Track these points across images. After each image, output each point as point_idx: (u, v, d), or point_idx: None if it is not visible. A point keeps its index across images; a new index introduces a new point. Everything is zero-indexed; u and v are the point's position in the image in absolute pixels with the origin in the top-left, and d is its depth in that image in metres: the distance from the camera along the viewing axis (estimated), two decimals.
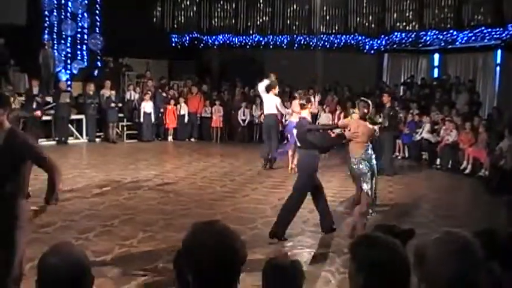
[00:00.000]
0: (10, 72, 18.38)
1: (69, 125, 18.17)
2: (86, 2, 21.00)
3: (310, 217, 9.19)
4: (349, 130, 8.35)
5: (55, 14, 20.67)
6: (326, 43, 22.37)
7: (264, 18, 24.20)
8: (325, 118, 18.14)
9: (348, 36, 22.25)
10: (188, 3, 25.28)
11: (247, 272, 3.94)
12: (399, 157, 16.50)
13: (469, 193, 12.62)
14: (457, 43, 19.68)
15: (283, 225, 7.87)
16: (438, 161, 15.24)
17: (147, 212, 9.17)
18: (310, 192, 8.18)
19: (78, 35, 21.21)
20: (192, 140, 19.84)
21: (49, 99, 17.96)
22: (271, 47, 23.59)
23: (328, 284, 6.23)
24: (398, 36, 21.17)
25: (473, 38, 19.01)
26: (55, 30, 20.75)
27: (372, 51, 21.98)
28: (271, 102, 14.33)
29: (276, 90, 14.45)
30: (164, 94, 19.96)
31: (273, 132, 14.49)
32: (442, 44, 20.25)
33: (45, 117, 17.34)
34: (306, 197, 8.17)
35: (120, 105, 19.28)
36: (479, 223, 8.55)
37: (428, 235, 2.39)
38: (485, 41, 18.70)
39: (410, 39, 20.90)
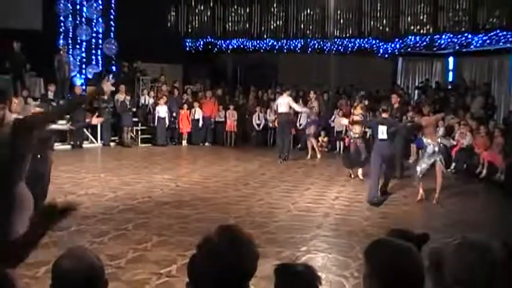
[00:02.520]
0: (26, 77, 18.53)
1: (84, 130, 18.25)
2: (101, 7, 21.17)
3: (324, 222, 9.19)
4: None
5: (70, 19, 20.87)
6: (340, 47, 22.35)
7: (278, 22, 24.25)
8: (339, 123, 18.11)
9: (362, 40, 22.24)
10: (202, 7, 25.39)
11: (261, 277, 3.94)
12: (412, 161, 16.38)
13: (484, 197, 12.51)
14: (472, 46, 19.58)
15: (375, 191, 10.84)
16: (453, 165, 15.13)
17: (161, 216, 9.17)
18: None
19: (93, 40, 21.40)
20: (206, 144, 19.86)
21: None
22: (285, 51, 23.63)
23: None
24: (413, 39, 21.12)
25: (488, 41, 18.91)
26: (70, 35, 20.94)
27: (386, 55, 21.94)
28: (285, 103, 15.96)
29: (289, 91, 16.59)
30: (175, 96, 19.91)
31: (287, 128, 16.47)
32: (457, 48, 20.16)
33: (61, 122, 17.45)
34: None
35: (134, 109, 19.36)
36: (494, 228, 8.49)
37: (442, 240, 2.37)
38: (501, 44, 18.60)
39: (424, 43, 20.84)
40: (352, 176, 13.50)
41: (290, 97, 16.32)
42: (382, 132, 10.85)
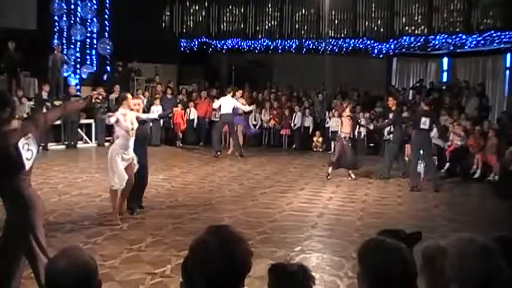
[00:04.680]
0: (21, 77, 18.47)
1: (79, 129, 18.22)
2: (95, 7, 21.14)
3: (319, 222, 9.20)
4: None
5: (65, 19, 20.81)
6: (335, 47, 22.36)
7: (273, 22, 24.24)
8: (334, 123, 18.14)
9: (356, 40, 22.24)
10: (197, 7, 25.36)
11: (256, 276, 3.94)
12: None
13: (478, 198, 12.55)
14: (466, 47, 19.62)
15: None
16: (447, 165, 15.15)
17: (156, 216, 9.17)
18: None
19: (88, 40, 21.35)
20: (201, 144, 19.81)
21: (58, 103, 18.02)
22: (279, 51, 23.62)
23: None
24: (407, 40, 21.15)
25: (482, 41, 18.96)
26: (65, 35, 20.89)
27: (381, 55, 21.96)
28: (229, 103, 16.40)
29: (231, 93, 16.79)
30: (169, 96, 19.78)
31: (231, 128, 16.90)
32: (451, 48, 20.21)
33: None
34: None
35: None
36: (488, 228, 8.52)
37: (436, 239, 2.39)
38: (495, 44, 18.65)
39: (419, 43, 20.87)
40: (329, 177, 13.38)
41: (233, 98, 16.67)
42: (425, 123, 12.25)
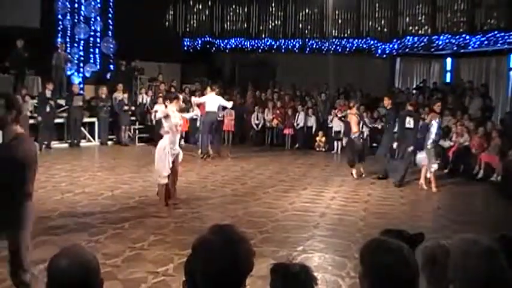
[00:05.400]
0: (26, 76, 18.46)
1: (82, 128, 18.24)
2: (99, 5, 21.13)
3: (321, 221, 9.20)
4: None
5: (68, 17, 20.80)
6: (338, 47, 22.36)
7: (276, 22, 24.26)
8: (336, 123, 18.13)
9: (360, 40, 22.24)
10: (200, 7, 25.39)
11: (258, 276, 3.95)
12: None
13: (481, 198, 12.53)
14: (470, 47, 19.59)
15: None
16: (450, 165, 15.12)
17: (158, 215, 9.17)
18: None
19: (91, 39, 21.33)
20: None
21: (62, 102, 18.05)
22: (283, 50, 23.63)
23: None
24: (411, 40, 21.13)
25: (486, 42, 18.92)
26: (68, 34, 20.88)
27: (384, 56, 21.94)
28: (214, 101, 15.93)
29: (216, 90, 16.25)
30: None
31: (217, 126, 16.78)
32: (455, 48, 20.17)
33: (58, 120, 17.47)
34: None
35: (132, 108, 19.33)
36: (491, 228, 8.50)
37: (438, 239, 2.38)
38: (498, 45, 18.60)
39: (422, 44, 20.84)
40: (355, 175, 13.59)
41: (219, 97, 16.29)
42: (409, 122, 12.81)
